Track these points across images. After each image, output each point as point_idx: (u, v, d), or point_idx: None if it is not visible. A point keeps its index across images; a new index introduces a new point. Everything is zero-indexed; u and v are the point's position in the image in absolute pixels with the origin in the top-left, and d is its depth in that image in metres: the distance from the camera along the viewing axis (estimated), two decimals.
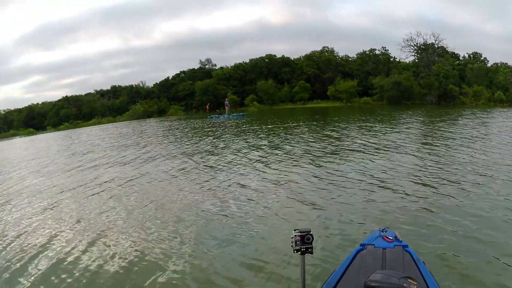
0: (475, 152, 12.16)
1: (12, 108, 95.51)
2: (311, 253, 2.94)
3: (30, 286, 5.80)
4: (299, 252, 2.92)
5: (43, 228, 8.56)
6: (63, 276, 5.96)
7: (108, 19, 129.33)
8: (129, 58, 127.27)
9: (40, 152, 26.78)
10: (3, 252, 7.45)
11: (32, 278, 6.08)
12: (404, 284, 2.35)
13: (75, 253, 6.83)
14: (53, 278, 5.98)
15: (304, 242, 2.88)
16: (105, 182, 12.42)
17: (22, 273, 6.30)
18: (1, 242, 8.13)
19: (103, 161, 16.73)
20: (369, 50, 58.20)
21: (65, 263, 6.45)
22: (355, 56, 59.60)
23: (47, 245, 7.44)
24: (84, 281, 5.65)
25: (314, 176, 10.32)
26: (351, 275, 3.15)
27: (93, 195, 10.99)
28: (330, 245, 5.60)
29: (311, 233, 2.91)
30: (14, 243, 7.87)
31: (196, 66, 72.59)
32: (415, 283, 2.40)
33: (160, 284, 5.27)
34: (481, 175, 9.27)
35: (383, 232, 3.94)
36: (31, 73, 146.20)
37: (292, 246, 2.91)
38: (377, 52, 58.03)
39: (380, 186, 8.82)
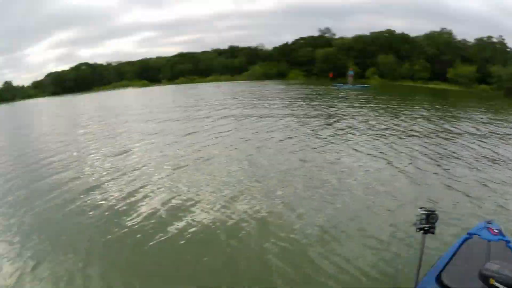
0: None
1: (124, 61, 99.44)
2: (433, 233, 2.97)
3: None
4: (422, 231, 2.96)
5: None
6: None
7: None
8: (242, 21, 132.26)
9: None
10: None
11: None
12: None
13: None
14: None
15: (429, 222, 2.91)
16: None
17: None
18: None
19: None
20: (486, 37, 56.71)
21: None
22: (473, 41, 58.18)
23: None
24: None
25: (432, 161, 10.49)
26: (458, 262, 3.34)
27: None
28: (440, 229, 5.16)
29: (436, 212, 2.95)
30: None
31: (315, 33, 74.18)
32: None
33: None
34: None
35: (488, 224, 4.03)
36: (141, 30, 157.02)
37: (415, 224, 2.97)
38: (494, 40, 56.34)
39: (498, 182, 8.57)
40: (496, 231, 3.89)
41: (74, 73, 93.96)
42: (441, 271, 3.20)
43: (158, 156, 12.10)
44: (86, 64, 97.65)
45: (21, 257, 5.92)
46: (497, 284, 2.33)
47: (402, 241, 5.70)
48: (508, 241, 3.68)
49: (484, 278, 2.39)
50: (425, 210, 2.93)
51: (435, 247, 4.76)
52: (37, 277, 5.32)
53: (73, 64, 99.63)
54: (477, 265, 2.66)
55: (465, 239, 3.73)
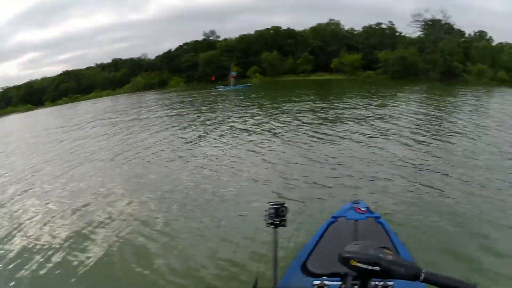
0: (464, 135, 11.98)
1: (11, 85, 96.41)
2: (284, 226, 2.82)
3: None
4: (272, 226, 2.80)
5: None
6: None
7: None
8: (125, 33, 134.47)
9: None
10: None
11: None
12: (380, 254, 2.16)
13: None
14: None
15: (278, 215, 2.75)
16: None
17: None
18: None
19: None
20: (375, 24, 57.71)
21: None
22: (361, 30, 59.21)
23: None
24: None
25: (296, 152, 10.49)
26: (323, 247, 3.20)
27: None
28: (302, 218, 5.70)
29: (285, 205, 2.80)
30: None
31: (199, 37, 73.02)
32: (391, 253, 2.21)
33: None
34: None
35: (355, 203, 3.92)
36: (26, 51, 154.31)
37: (265, 220, 2.80)
38: (383, 26, 57.50)
39: (358, 161, 9.02)
40: (363, 209, 3.71)
41: None
42: (306, 259, 3.07)
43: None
44: None
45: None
46: (359, 265, 2.11)
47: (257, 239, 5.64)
48: (377, 217, 3.54)
49: (345, 260, 2.16)
50: (273, 204, 2.72)
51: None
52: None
53: None
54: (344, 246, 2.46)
55: (330, 223, 3.51)
